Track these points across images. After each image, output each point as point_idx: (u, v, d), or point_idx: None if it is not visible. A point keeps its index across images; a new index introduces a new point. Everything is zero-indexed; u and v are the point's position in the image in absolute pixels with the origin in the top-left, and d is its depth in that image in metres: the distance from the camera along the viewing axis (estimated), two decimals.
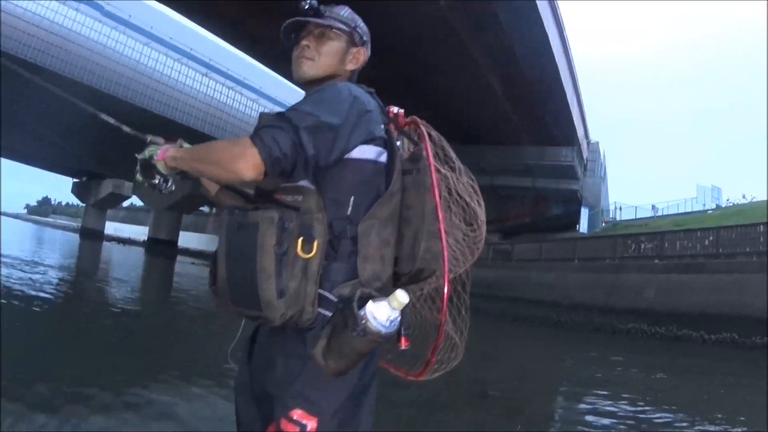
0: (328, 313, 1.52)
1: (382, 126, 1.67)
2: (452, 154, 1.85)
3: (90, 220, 57.20)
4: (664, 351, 13.87)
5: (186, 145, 1.74)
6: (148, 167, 1.74)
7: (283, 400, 1.55)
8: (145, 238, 50.12)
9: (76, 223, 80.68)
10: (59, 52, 25.32)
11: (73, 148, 41.88)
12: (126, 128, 1.95)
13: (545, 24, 21.15)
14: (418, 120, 1.77)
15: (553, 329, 18.21)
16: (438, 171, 1.73)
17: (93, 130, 33.60)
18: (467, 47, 20.74)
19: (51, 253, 25.09)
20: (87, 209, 58.92)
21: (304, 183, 1.54)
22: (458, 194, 1.83)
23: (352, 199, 1.59)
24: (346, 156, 1.57)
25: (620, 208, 38.98)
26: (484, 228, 1.93)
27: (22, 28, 24.40)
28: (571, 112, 28.53)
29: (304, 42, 1.76)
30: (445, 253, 1.63)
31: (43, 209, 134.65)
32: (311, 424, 1.53)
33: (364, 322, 1.43)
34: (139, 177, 1.78)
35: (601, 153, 36.73)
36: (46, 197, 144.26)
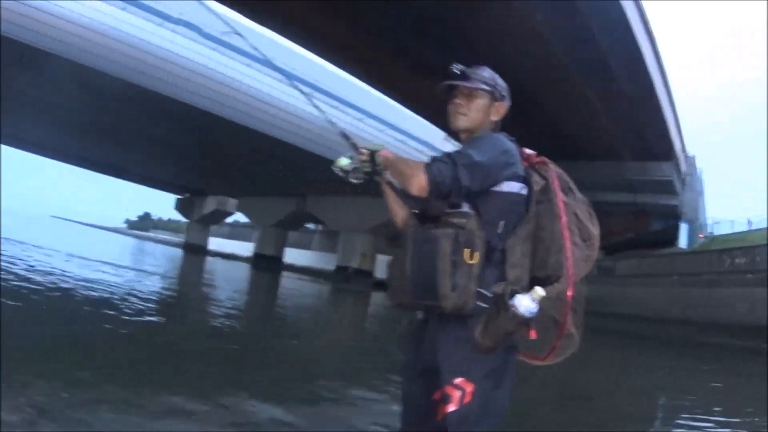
0: (485, 305, 2.17)
1: (522, 166, 2.35)
2: (573, 185, 2.42)
3: (193, 236, 62.18)
4: (758, 365, 14.70)
5: (377, 150, 2.50)
6: (353, 168, 2.51)
7: (448, 371, 2.21)
8: (250, 254, 54.27)
9: (177, 239, 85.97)
10: (169, 77, 28.37)
11: (177, 165, 46.53)
12: (351, 139, 2.64)
13: (637, 36, 22.63)
14: (547, 160, 2.43)
15: (650, 342, 19.92)
16: (563, 200, 2.33)
17: (198, 147, 37.44)
18: (566, 66, 22.65)
19: (154, 262, 28.07)
20: (190, 225, 64.02)
21: (467, 209, 2.22)
22: (577, 217, 2.37)
23: (501, 222, 2.28)
24: (497, 189, 2.26)
25: (717, 223, 39.67)
26: (597, 245, 2.43)
27: (140, 57, 27.53)
28: (667, 125, 29.57)
29: (457, 101, 2.46)
30: (569, 263, 2.24)
31: (143, 224, 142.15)
32: (469, 388, 2.18)
33: (513, 308, 2.11)
34: (343, 161, 2.52)
35: (698, 167, 37.53)
36: (147, 212, 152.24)
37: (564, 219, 2.31)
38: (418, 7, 19.75)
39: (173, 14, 29.99)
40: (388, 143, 33.73)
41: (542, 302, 2.24)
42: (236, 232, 76.76)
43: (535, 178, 2.42)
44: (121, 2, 27.89)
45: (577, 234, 2.37)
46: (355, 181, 2.58)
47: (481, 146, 2.30)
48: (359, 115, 35.67)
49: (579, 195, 2.45)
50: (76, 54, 25.66)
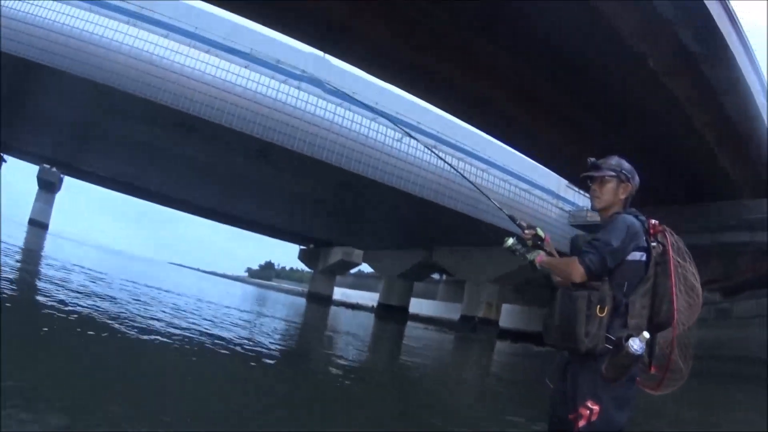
0: (610, 347, 3.17)
1: (643, 238, 3.32)
2: (684, 248, 3.37)
3: (317, 285, 65.24)
4: None
5: (540, 232, 3.66)
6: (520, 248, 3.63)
7: (583, 395, 3.22)
8: (374, 304, 56.98)
9: (300, 288, 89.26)
10: (295, 131, 31.01)
11: (302, 216, 49.56)
12: (516, 221, 3.85)
13: (744, 72, 23.93)
14: (666, 228, 3.39)
15: (753, 383, 20.82)
16: (677, 263, 3.28)
17: (324, 200, 39.93)
18: (685, 110, 24.30)
19: (284, 310, 29.84)
20: (315, 275, 67.26)
21: (604, 281, 3.27)
22: (685, 276, 3.34)
23: (626, 283, 3.27)
24: (625, 259, 3.29)
25: None
26: (700, 300, 3.38)
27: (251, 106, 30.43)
28: None
29: (593, 187, 3.57)
30: (675, 311, 3.27)
31: (265, 273, 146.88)
32: (596, 408, 3.16)
33: (627, 348, 3.07)
34: (510, 242, 3.63)
35: None
36: (269, 261, 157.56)
37: (673, 278, 3.29)
38: (560, 61, 21.84)
39: (297, 71, 32.69)
40: (513, 192, 35.47)
41: (659, 343, 3.38)
42: (360, 282, 79.50)
43: (655, 245, 3.37)
44: (244, 62, 31.20)
45: (683, 287, 3.33)
46: (521, 258, 3.64)
47: (614, 231, 3.33)
48: (484, 165, 37.38)
49: (689, 257, 3.41)
50: (209, 113, 28.98)
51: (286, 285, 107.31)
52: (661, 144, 26.46)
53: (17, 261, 18.44)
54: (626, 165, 3.59)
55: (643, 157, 26.08)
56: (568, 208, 39.46)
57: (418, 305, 55.36)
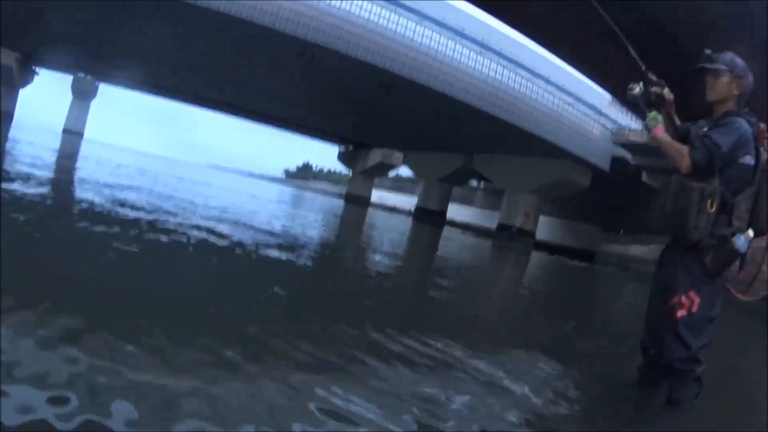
0: (714, 242, 3.46)
1: (752, 144, 3.52)
2: None
3: (356, 187, 66.02)
4: None
5: (666, 93, 3.76)
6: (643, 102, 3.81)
7: (685, 285, 3.57)
8: (411, 207, 57.80)
9: (337, 189, 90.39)
10: (340, 32, 30.88)
11: (343, 117, 49.85)
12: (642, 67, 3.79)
13: None
14: None
15: None
16: None
17: (366, 101, 39.99)
18: None
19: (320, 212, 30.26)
20: (353, 176, 68.13)
21: (714, 177, 3.44)
22: None
23: (733, 183, 3.47)
24: (734, 162, 3.46)
25: None
26: None
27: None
28: None
29: (707, 79, 3.68)
30: None
31: (302, 174, 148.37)
32: (697, 300, 3.52)
33: (732, 245, 3.38)
34: (636, 89, 3.80)
35: None
36: (307, 162, 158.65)
37: None
38: None
39: None
40: (556, 105, 35.43)
41: (752, 248, 3.55)
42: (398, 185, 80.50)
43: (762, 152, 3.57)
44: None
45: None
46: (644, 107, 3.81)
47: (726, 134, 3.49)
48: (528, 75, 37.02)
49: None
50: (248, 13, 28.74)
51: (323, 186, 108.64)
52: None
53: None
54: (740, 62, 3.69)
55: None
56: (610, 125, 39.02)
57: (455, 211, 56.03)
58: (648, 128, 3.76)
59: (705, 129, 3.65)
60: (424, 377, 3.63)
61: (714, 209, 3.43)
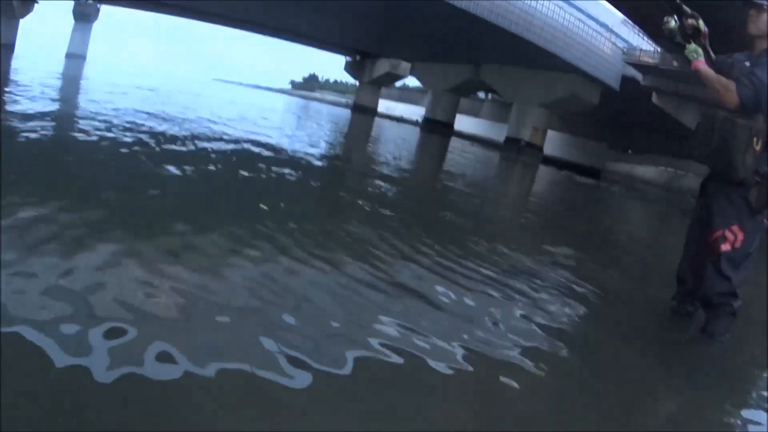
0: (758, 179, 3.56)
1: None
2: None
3: (363, 97, 65.76)
4: None
5: (701, 25, 3.73)
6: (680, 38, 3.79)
7: (726, 219, 3.68)
8: (418, 118, 57.49)
9: (344, 99, 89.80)
10: None
11: (350, 27, 48.86)
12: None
13: None
14: None
15: None
16: None
17: (372, 9, 39.34)
18: None
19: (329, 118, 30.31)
20: (361, 86, 67.65)
21: (759, 114, 3.52)
22: None
23: None
24: None
25: None
26: None
27: None
28: None
29: (751, 12, 3.69)
30: None
31: (309, 85, 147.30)
32: (740, 236, 3.64)
33: None
34: (672, 24, 3.75)
35: None
36: (313, 74, 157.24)
37: None
38: None
39: None
40: (566, 20, 34.75)
41: None
42: (405, 95, 79.43)
43: None
44: None
45: None
46: (678, 41, 3.80)
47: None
48: None
49: None
50: None
51: (330, 96, 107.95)
52: None
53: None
54: None
55: None
56: (621, 44, 38.08)
57: (463, 122, 55.74)
58: (689, 60, 3.74)
59: (747, 64, 3.69)
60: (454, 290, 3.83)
61: (760, 147, 3.52)
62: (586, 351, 3.41)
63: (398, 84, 72.08)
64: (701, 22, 3.72)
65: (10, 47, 49.41)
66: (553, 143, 43.99)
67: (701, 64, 3.70)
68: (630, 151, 45.19)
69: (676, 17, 3.74)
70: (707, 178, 3.98)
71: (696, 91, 29.30)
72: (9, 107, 8.92)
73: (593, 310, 4.28)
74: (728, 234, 3.65)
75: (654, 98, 34.90)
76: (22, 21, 51.88)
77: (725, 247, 3.65)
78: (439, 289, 3.78)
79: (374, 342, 2.69)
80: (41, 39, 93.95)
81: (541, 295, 4.19)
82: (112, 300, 2.52)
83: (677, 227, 12.05)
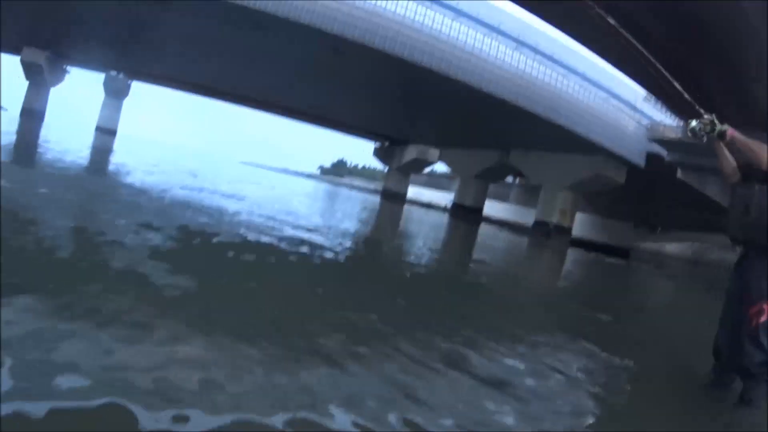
0: None
1: None
2: None
3: (391, 183, 66.92)
4: None
5: (716, 122, 3.89)
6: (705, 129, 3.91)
7: (764, 292, 3.70)
8: (447, 204, 57.97)
9: (373, 185, 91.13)
10: (375, 27, 31.64)
11: (379, 113, 50.51)
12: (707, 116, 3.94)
13: None
14: None
15: None
16: None
17: (402, 97, 40.33)
18: None
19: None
20: (389, 172, 68.95)
21: None
22: None
23: None
24: None
25: None
26: None
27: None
28: None
29: None
30: None
31: (337, 170, 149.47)
32: None
33: None
34: (693, 123, 3.96)
35: None
36: (341, 159, 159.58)
37: None
38: None
39: None
40: (591, 100, 35.67)
41: None
42: (434, 182, 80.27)
43: None
44: None
45: None
46: (702, 139, 4.01)
47: None
48: (563, 70, 37.40)
49: None
50: (281, 8, 29.56)
51: (358, 182, 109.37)
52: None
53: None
54: None
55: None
56: (645, 121, 38.85)
57: (491, 207, 56.35)
58: (722, 133, 3.92)
59: None
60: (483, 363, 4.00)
61: None
62: (631, 424, 3.54)
63: (427, 169, 72.87)
64: (716, 120, 3.95)
65: (41, 114, 51.93)
66: (580, 225, 44.29)
67: (732, 131, 3.89)
68: (659, 229, 45.38)
69: (696, 120, 4.01)
70: (743, 253, 4.03)
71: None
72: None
73: (634, 384, 4.46)
74: (766, 306, 3.72)
75: (679, 173, 35.27)
76: (53, 89, 54.76)
77: (763, 318, 3.72)
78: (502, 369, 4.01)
79: None
80: (71, 108, 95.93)
81: (578, 373, 4.35)
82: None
83: (706, 301, 12.35)
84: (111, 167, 16.00)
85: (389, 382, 3.27)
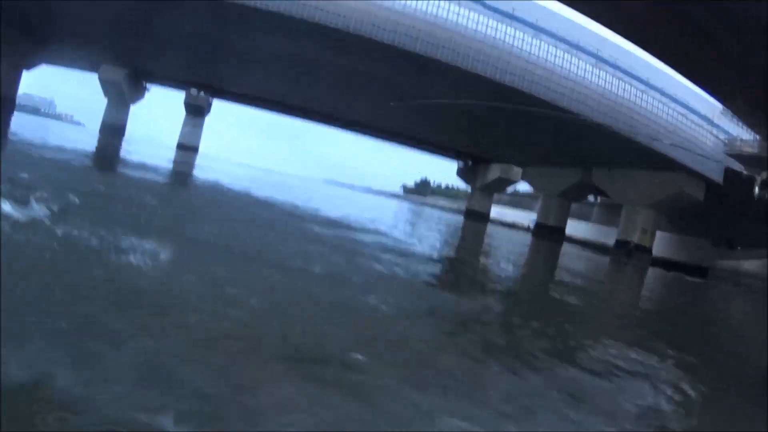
0: None
1: None
2: None
3: (475, 202, 67.60)
4: None
5: None
6: None
7: None
8: (529, 223, 58.42)
9: (456, 205, 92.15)
10: (459, 47, 32.90)
11: (463, 132, 51.22)
12: None
13: None
14: None
15: None
16: None
17: (485, 116, 41.24)
18: None
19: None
20: (472, 192, 69.63)
21: None
22: None
23: None
24: None
25: None
26: None
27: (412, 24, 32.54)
28: None
29: None
30: None
31: (421, 189, 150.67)
32: None
33: None
34: None
35: None
36: (425, 178, 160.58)
37: None
38: None
39: None
40: (669, 116, 35.91)
41: None
42: (516, 201, 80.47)
43: None
44: None
45: None
46: None
47: None
48: (643, 86, 37.44)
49: None
50: (364, 29, 31.27)
51: (441, 202, 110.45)
52: None
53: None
54: None
55: None
56: (722, 136, 38.44)
57: (572, 227, 56.28)
58: None
59: None
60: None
61: None
62: None
63: (510, 189, 73.43)
64: None
65: (121, 130, 55.40)
66: (660, 244, 44.21)
67: None
68: (738, 247, 44.84)
69: None
70: None
71: None
72: None
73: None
74: None
75: (756, 189, 35.02)
76: (132, 107, 58.17)
77: None
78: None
79: None
80: (152, 125, 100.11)
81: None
82: None
83: None
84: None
85: None
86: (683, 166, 36.71)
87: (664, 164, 37.34)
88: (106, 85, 54.49)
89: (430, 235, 20.92)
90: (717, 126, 39.02)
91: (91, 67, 52.46)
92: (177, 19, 34.44)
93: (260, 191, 19.27)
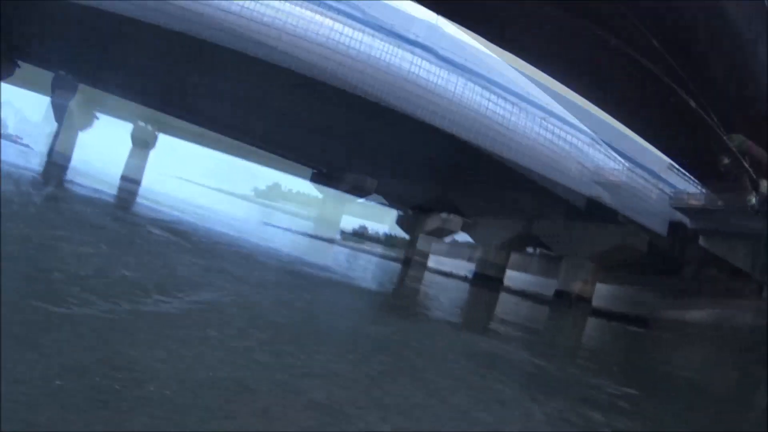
0: None
1: None
2: None
3: (413, 251, 68.00)
4: None
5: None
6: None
7: None
8: (467, 273, 58.46)
9: (393, 253, 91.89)
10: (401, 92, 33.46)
11: (402, 181, 51.90)
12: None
13: None
14: None
15: None
16: None
17: (426, 165, 41.69)
18: None
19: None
20: (411, 241, 69.98)
21: None
22: None
23: None
24: None
25: None
26: None
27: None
28: None
29: None
30: None
31: (358, 237, 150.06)
32: None
33: None
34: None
35: None
36: (363, 225, 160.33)
37: None
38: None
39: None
40: (617, 171, 36.61)
41: None
42: (454, 251, 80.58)
43: None
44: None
45: None
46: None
47: None
48: (589, 140, 38.43)
49: None
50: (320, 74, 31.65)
51: (379, 249, 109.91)
52: None
53: None
54: None
55: None
56: (668, 190, 39.57)
57: (510, 277, 55.95)
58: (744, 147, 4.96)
59: None
60: None
61: None
62: None
63: (448, 239, 73.26)
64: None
65: (68, 157, 54.23)
66: (600, 294, 44.72)
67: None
68: (682, 297, 45.59)
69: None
70: None
71: (744, 228, 30.54)
72: None
73: None
74: None
75: (701, 240, 35.72)
76: (81, 133, 57.24)
77: None
78: None
79: None
80: (98, 154, 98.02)
81: None
82: None
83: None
84: None
85: None
86: (627, 219, 37.22)
87: (607, 216, 38.01)
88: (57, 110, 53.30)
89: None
90: (663, 180, 39.84)
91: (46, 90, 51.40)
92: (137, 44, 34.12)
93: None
